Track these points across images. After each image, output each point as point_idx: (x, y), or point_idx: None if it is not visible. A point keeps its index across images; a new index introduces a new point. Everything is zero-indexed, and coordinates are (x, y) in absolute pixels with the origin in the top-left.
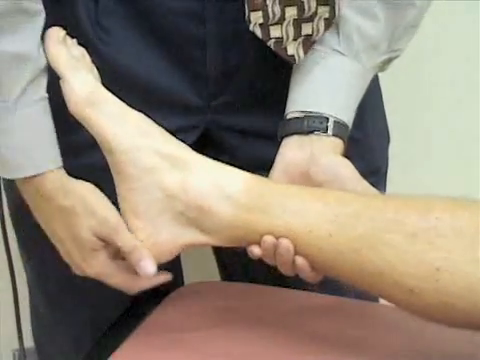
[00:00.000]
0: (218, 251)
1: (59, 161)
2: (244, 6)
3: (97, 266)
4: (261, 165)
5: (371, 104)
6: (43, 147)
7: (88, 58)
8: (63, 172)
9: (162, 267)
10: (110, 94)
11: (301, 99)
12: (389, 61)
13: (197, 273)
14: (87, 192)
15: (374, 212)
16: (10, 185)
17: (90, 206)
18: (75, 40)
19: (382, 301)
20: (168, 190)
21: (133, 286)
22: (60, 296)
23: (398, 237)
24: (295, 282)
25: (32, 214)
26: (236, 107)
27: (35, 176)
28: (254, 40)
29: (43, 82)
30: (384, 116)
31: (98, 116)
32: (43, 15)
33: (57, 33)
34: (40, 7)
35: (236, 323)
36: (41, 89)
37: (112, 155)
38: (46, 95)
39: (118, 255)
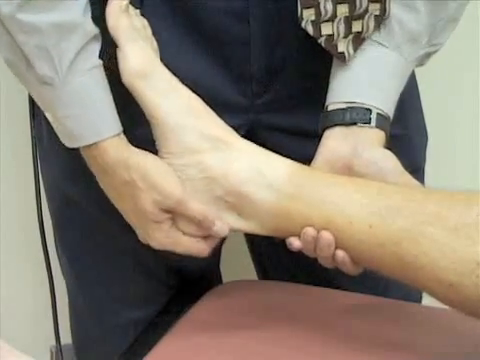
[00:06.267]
0: (257, 252)
1: (118, 127)
2: (288, 5)
3: (161, 237)
4: (305, 164)
5: (411, 101)
6: (101, 114)
7: (149, 30)
8: (124, 142)
9: (200, 264)
10: (164, 69)
11: (343, 90)
12: (428, 55)
13: (235, 273)
14: (148, 165)
15: (415, 205)
16: (52, 187)
17: (152, 180)
18: (138, 11)
19: (424, 302)
20: (208, 173)
21: (204, 248)
22: (103, 299)
23: (439, 231)
24: (339, 282)
25: (74, 217)
26: (280, 106)
27: (97, 146)
28: (297, 39)
29: (94, 50)
30: (422, 113)
31: (148, 89)
32: None
33: (119, 2)
34: None
35: (273, 322)
36: (93, 57)
37: (157, 129)
38: (99, 62)
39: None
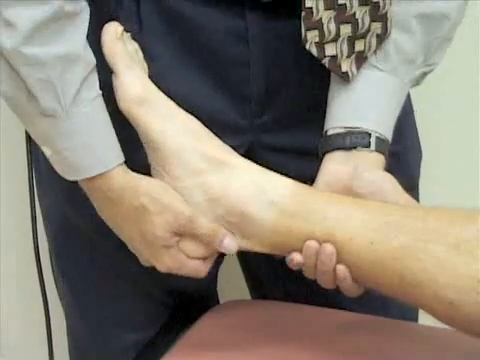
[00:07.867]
0: (253, 272)
1: (122, 156)
2: (287, 26)
3: (169, 261)
4: (304, 183)
5: (406, 118)
6: (105, 144)
7: (141, 54)
8: (127, 169)
9: (198, 285)
10: (161, 93)
11: (342, 114)
12: (424, 75)
13: (231, 294)
14: (156, 188)
15: (416, 222)
16: (51, 211)
17: (161, 202)
18: (129, 34)
19: (420, 321)
20: (210, 194)
21: (202, 270)
22: (102, 323)
23: (440, 247)
24: (336, 301)
25: (72, 240)
26: (278, 126)
27: (101, 176)
28: (296, 59)
29: (95, 80)
30: (416, 129)
31: (146, 114)
32: (87, 10)
33: (115, 29)
34: (82, 4)
35: (271, 341)
36: (95, 86)
37: (157, 153)
38: (100, 92)
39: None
